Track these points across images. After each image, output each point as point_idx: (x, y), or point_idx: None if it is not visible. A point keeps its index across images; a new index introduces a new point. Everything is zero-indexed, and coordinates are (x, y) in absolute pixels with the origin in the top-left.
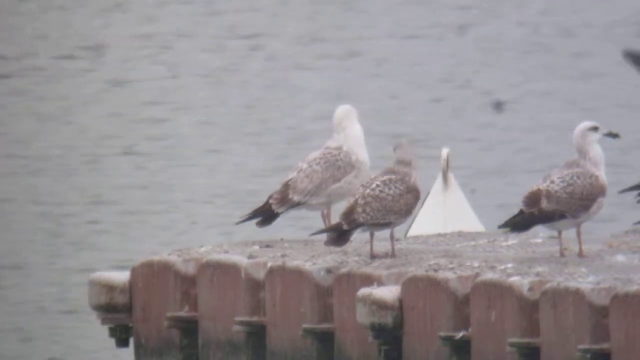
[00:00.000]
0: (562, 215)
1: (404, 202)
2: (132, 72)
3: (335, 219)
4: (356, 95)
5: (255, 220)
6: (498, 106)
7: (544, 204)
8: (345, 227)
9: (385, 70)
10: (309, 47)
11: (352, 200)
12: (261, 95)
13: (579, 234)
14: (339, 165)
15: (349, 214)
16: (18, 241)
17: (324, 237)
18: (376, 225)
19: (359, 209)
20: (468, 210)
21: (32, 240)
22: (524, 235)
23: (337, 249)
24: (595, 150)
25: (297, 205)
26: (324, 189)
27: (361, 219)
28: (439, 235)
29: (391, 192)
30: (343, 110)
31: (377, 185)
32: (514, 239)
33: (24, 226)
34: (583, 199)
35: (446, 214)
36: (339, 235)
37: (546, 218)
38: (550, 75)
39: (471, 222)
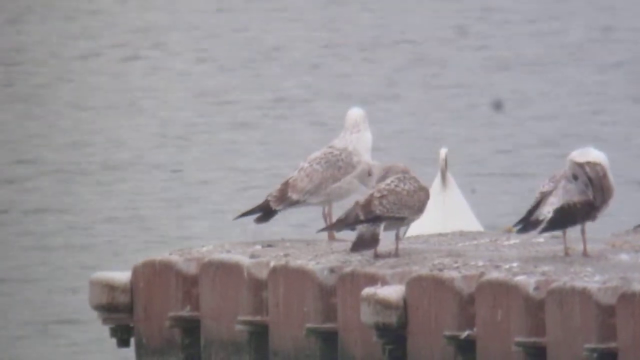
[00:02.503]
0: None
1: (417, 198)
2: (129, 70)
3: (336, 218)
4: (356, 96)
5: (253, 218)
6: (497, 106)
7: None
8: (362, 217)
9: (383, 70)
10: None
11: (367, 194)
12: (262, 97)
13: (583, 233)
14: (339, 166)
15: (366, 206)
16: (18, 241)
17: (326, 235)
18: (391, 218)
19: (376, 202)
20: (467, 210)
21: (32, 240)
22: (525, 235)
23: (361, 253)
24: None
25: (295, 203)
26: (323, 188)
27: (378, 211)
28: (440, 235)
29: (406, 187)
30: (360, 112)
31: (392, 181)
32: (516, 239)
33: (23, 226)
34: (606, 194)
35: (445, 214)
36: (365, 237)
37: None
38: (549, 75)
39: (470, 222)
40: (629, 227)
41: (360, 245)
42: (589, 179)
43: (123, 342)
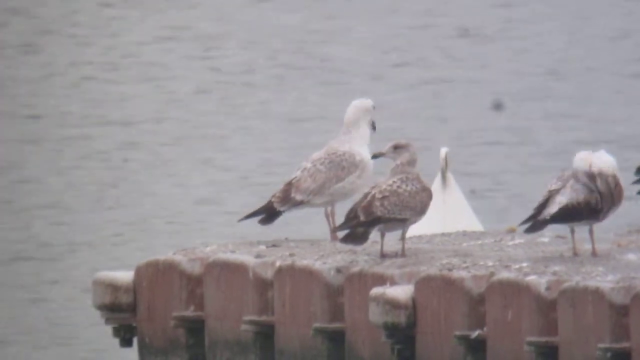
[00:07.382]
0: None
1: (419, 199)
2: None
3: (339, 218)
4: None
5: (257, 219)
6: (498, 106)
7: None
8: (363, 218)
9: (384, 70)
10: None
11: (368, 195)
12: (267, 96)
13: (591, 233)
14: (343, 166)
15: (367, 207)
16: (21, 240)
17: (329, 235)
18: (392, 220)
19: (377, 203)
20: (467, 209)
21: (35, 240)
22: (530, 234)
23: (348, 247)
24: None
25: (299, 204)
26: (327, 188)
27: (379, 212)
28: (443, 234)
29: (408, 188)
30: (358, 108)
31: (394, 182)
32: (520, 239)
33: (25, 225)
34: (616, 200)
35: (445, 214)
36: (357, 233)
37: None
38: (552, 74)
39: (470, 222)
40: (629, 226)
41: (349, 238)
42: (599, 192)
43: (126, 342)
